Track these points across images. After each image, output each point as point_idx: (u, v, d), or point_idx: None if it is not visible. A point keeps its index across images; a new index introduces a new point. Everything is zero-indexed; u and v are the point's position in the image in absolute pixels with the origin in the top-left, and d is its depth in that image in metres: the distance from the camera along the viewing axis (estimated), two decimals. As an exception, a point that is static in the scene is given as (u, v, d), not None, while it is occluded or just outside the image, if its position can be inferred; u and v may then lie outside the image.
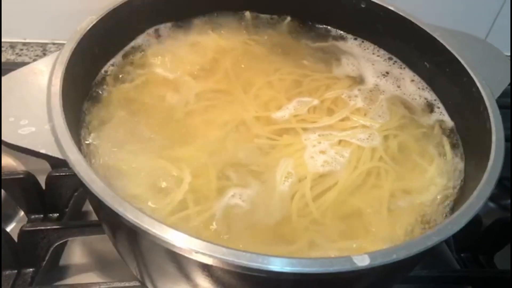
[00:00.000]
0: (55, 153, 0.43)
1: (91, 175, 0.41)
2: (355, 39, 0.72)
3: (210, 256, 0.37)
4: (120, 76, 0.61)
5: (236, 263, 0.37)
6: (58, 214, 0.69)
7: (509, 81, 0.58)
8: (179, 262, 0.41)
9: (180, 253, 0.38)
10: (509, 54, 1.08)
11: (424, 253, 0.40)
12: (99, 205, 0.41)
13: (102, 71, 0.60)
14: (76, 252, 0.67)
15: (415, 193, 0.53)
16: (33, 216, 0.68)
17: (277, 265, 0.37)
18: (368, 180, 0.53)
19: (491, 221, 0.70)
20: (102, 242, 0.65)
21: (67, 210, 0.70)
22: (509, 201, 0.82)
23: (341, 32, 0.73)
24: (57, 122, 0.45)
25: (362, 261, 0.37)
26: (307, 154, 0.55)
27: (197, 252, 0.37)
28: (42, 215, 0.69)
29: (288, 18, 0.73)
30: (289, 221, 0.49)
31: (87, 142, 0.53)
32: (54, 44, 1.01)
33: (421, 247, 0.39)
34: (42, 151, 0.43)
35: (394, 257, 0.38)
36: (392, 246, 0.39)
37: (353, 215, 0.50)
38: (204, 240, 0.37)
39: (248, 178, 0.52)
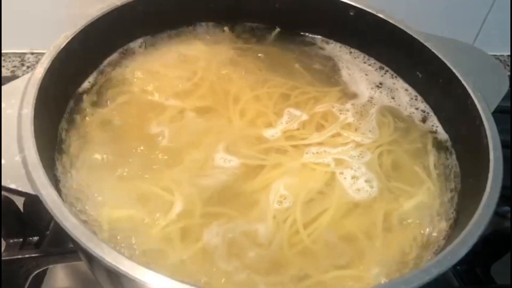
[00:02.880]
0: (26, 188, 0.40)
1: (65, 213, 0.38)
2: (345, 47, 0.69)
3: (194, 301, 0.34)
4: (98, 95, 0.58)
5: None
6: (38, 238, 0.66)
7: (505, 92, 0.56)
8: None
9: (163, 297, 0.36)
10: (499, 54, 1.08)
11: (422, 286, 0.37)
12: (75, 244, 0.38)
13: (79, 91, 0.57)
14: (59, 276, 0.65)
15: (410, 214, 0.51)
16: (11, 241, 0.65)
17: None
18: (362, 202, 0.51)
19: (488, 232, 0.68)
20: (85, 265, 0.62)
21: (48, 232, 0.66)
22: (506, 208, 0.80)
23: (331, 41, 0.70)
24: (28, 153, 0.42)
25: (357, 301, 0.35)
26: (298, 175, 0.53)
27: (180, 297, 0.34)
28: (21, 239, 0.65)
29: (277, 29, 0.71)
30: (281, 249, 0.47)
31: (63, 168, 0.50)
32: (32, 53, 0.97)
33: (419, 281, 0.37)
34: (12, 186, 0.41)
35: (392, 295, 0.36)
36: (389, 282, 0.37)
37: (346, 241, 0.48)
38: (186, 283, 0.35)
39: (236, 202, 0.50)
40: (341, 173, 0.53)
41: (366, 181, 0.53)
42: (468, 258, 0.68)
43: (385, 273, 0.45)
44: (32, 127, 0.44)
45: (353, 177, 0.53)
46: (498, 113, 0.54)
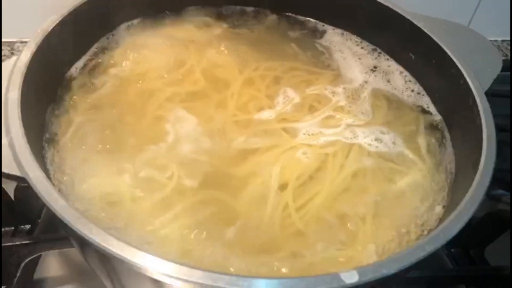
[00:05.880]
0: (13, 170, 0.40)
1: (52, 195, 0.38)
2: (337, 30, 0.69)
3: (185, 281, 0.34)
4: (87, 79, 0.57)
5: (215, 287, 0.34)
6: (30, 226, 0.65)
7: (498, 72, 0.55)
8: (154, 285, 0.38)
9: (154, 277, 0.35)
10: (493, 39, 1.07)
11: (416, 264, 0.37)
12: (64, 226, 0.37)
13: (67, 75, 0.56)
14: (51, 264, 0.64)
15: (403, 193, 0.51)
16: (3, 229, 0.64)
17: (259, 287, 0.34)
18: (354, 182, 0.51)
19: (482, 215, 0.68)
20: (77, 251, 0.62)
21: (39, 220, 0.66)
22: (499, 191, 0.80)
23: (323, 23, 0.70)
24: (15, 136, 0.41)
25: (351, 278, 0.35)
26: (291, 157, 0.52)
27: (171, 277, 0.34)
28: (13, 228, 0.65)
29: (267, 11, 0.70)
30: (273, 231, 0.46)
31: (51, 150, 0.49)
32: (22, 42, 0.95)
33: (412, 259, 0.37)
34: (-1, 169, 0.40)
35: (384, 272, 0.36)
36: (382, 260, 0.37)
37: (339, 222, 0.48)
38: (178, 263, 0.34)
39: (227, 185, 0.50)
40: (332, 154, 0.53)
41: (359, 162, 0.52)
42: (462, 240, 0.69)
43: (378, 253, 0.45)
44: (19, 110, 0.43)
45: (346, 159, 0.53)
46: (493, 97, 0.54)
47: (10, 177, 0.40)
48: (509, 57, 1.04)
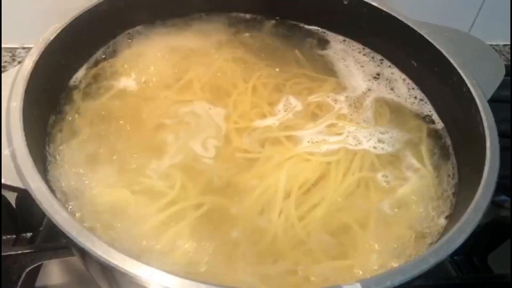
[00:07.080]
0: (15, 182, 0.39)
1: (55, 206, 0.38)
2: (340, 37, 0.69)
3: (188, 294, 0.34)
4: (89, 88, 0.57)
5: (217, 301, 0.33)
6: (31, 234, 0.65)
7: (501, 80, 0.55)
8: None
9: (156, 290, 0.35)
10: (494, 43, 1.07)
11: (420, 276, 0.37)
12: (65, 237, 0.37)
13: (69, 84, 0.56)
14: (53, 272, 0.64)
15: (405, 202, 0.50)
16: (4, 237, 0.64)
17: (262, 300, 0.34)
18: (357, 190, 0.50)
19: (485, 221, 0.68)
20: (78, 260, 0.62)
21: (41, 228, 0.66)
22: (501, 197, 0.80)
23: (325, 31, 0.69)
24: (17, 147, 0.41)
25: (354, 291, 0.35)
26: (294, 165, 0.52)
27: (173, 290, 0.34)
28: (14, 236, 0.65)
29: (270, 19, 0.70)
30: (275, 240, 0.46)
31: (53, 161, 0.49)
32: (24, 48, 0.95)
33: (416, 271, 0.37)
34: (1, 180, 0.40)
35: (388, 284, 0.36)
36: (386, 272, 0.37)
37: (341, 232, 0.47)
38: (180, 277, 0.34)
39: (229, 193, 0.49)
40: (335, 163, 0.53)
41: (362, 171, 0.52)
42: (465, 247, 0.68)
43: (382, 263, 0.45)
44: (21, 120, 0.43)
45: (349, 168, 0.52)
46: (495, 102, 0.54)
47: (12, 188, 0.40)
48: (509, 62, 1.04)
